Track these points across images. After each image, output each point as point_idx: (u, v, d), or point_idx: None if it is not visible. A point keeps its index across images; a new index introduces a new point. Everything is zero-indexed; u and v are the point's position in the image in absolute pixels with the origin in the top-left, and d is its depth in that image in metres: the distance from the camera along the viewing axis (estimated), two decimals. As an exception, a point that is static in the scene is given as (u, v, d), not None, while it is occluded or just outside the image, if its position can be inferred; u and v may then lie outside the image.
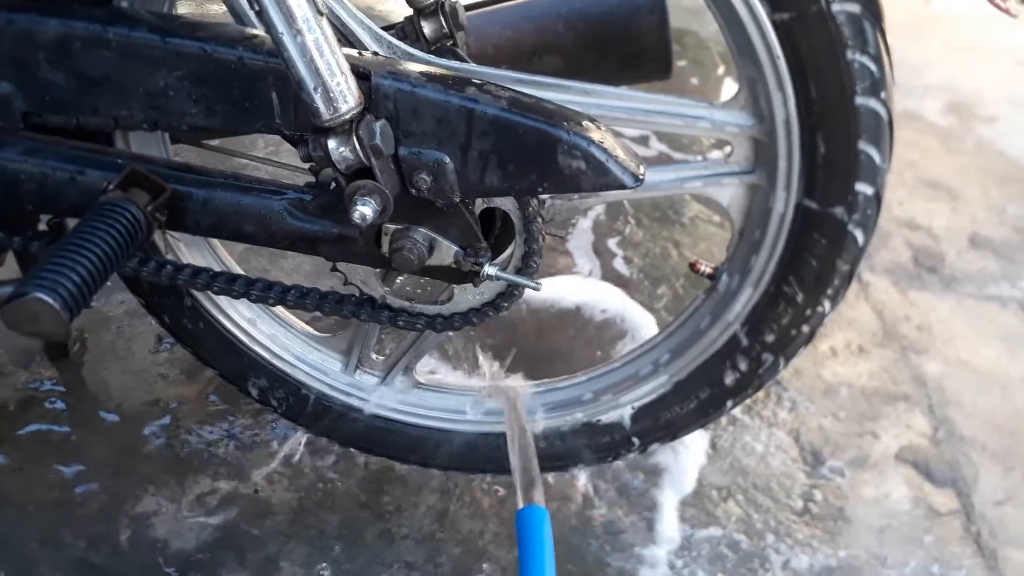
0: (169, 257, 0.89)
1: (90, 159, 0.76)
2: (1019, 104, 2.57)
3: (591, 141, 0.70)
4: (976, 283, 1.73)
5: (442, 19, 0.93)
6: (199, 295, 0.96)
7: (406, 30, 0.96)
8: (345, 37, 0.80)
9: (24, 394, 1.24)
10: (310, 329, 1.05)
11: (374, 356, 1.04)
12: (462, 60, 0.93)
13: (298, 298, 0.85)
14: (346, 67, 0.66)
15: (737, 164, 0.81)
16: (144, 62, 0.71)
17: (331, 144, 0.68)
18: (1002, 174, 2.19)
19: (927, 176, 2.13)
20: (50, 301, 0.58)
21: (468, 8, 1.06)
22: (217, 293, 0.86)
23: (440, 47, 0.94)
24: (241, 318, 1.00)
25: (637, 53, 1.02)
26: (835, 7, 0.67)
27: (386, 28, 1.03)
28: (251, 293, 0.84)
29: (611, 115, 0.80)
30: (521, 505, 0.72)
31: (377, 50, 0.80)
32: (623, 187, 0.70)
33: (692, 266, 0.90)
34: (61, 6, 0.72)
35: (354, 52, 0.74)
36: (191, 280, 0.83)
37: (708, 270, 0.90)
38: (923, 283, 1.73)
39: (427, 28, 0.93)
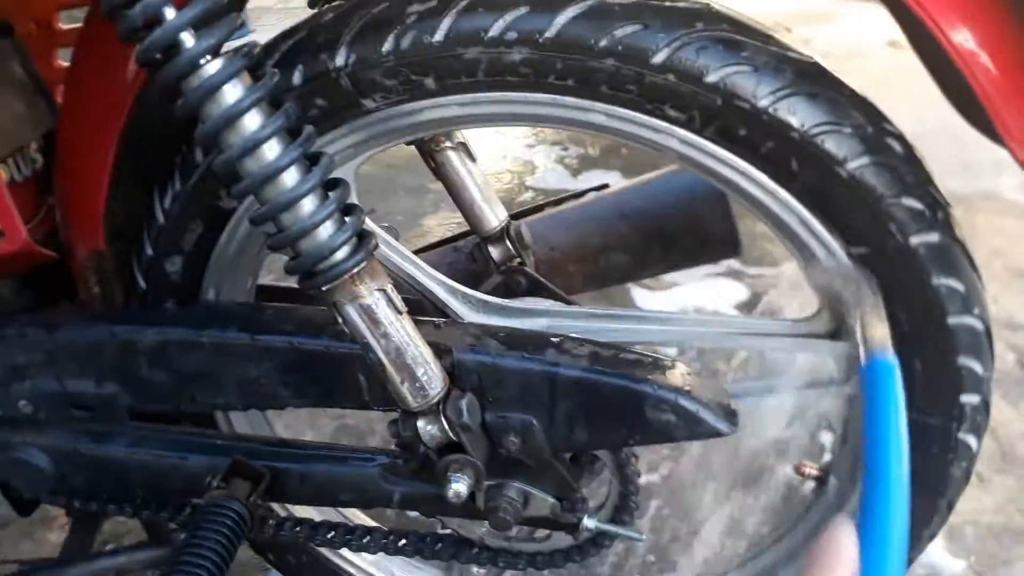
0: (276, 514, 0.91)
1: (191, 444, 0.79)
2: (1102, 168, 2.46)
3: (678, 392, 0.69)
4: (1092, 384, 1.62)
5: (508, 244, 0.96)
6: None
7: (475, 255, 0.99)
8: (420, 293, 0.82)
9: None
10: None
11: (475, 570, 1.03)
12: (532, 280, 0.94)
13: (397, 544, 0.85)
14: (430, 355, 0.68)
15: (828, 375, 0.79)
16: (235, 358, 0.74)
17: (420, 425, 0.69)
18: (1098, 251, 2.08)
19: (1017, 264, 2.04)
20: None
21: (528, 212, 1.08)
22: (318, 545, 0.86)
23: (508, 268, 0.96)
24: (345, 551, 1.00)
25: (703, 240, 1.02)
26: (914, 240, 0.65)
27: (453, 239, 1.06)
28: (351, 543, 0.85)
29: (689, 341, 0.79)
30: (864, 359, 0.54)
31: (453, 303, 0.81)
32: (718, 435, 0.69)
33: (797, 469, 0.87)
34: (156, 313, 0.76)
35: (431, 324, 0.75)
36: (291, 534, 0.84)
37: (815, 473, 0.86)
38: (1035, 391, 1.63)
39: (495, 253, 0.96)
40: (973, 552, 1.30)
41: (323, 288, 0.62)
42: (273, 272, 0.88)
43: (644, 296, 1.90)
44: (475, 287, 0.87)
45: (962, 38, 0.60)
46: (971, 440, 0.75)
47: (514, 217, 1.04)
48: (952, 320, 0.68)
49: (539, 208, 1.10)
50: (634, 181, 1.08)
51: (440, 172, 0.93)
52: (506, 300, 0.84)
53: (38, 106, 0.85)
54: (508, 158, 2.80)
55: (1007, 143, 0.63)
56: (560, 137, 2.80)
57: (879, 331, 0.60)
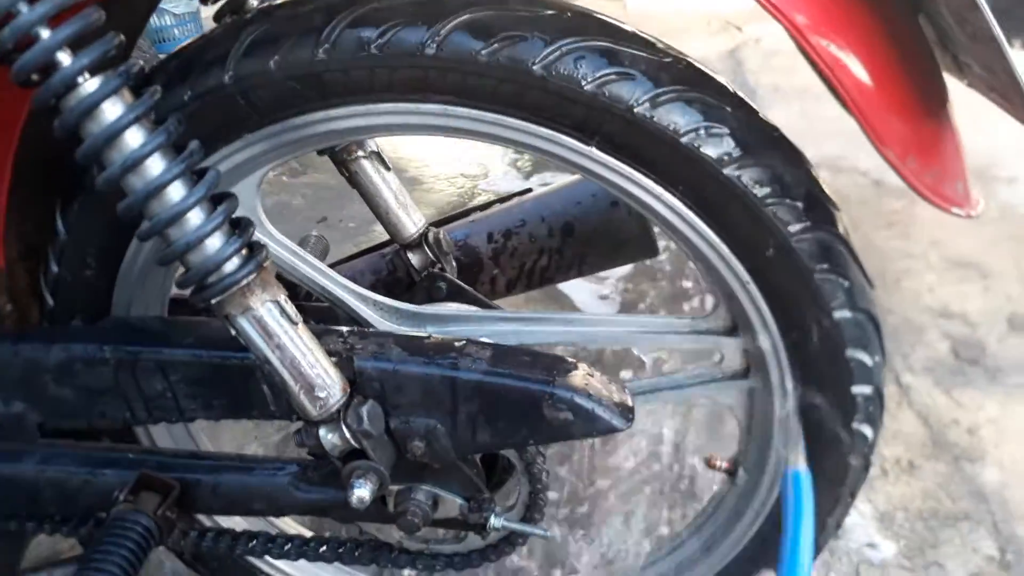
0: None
1: (102, 459, 0.79)
2: (1037, 160, 2.53)
3: (575, 391, 0.70)
4: (1022, 371, 1.67)
5: (427, 250, 0.97)
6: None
7: (395, 263, 1.00)
8: (331, 302, 0.83)
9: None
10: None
11: (407, 573, 1.04)
12: (452, 285, 0.96)
13: (317, 550, 0.86)
14: (327, 363, 0.68)
15: (730, 370, 0.81)
16: (140, 372, 0.74)
17: (322, 434, 0.70)
18: (1033, 240, 2.13)
19: (954, 254, 2.09)
20: (64, 656, 0.60)
21: (451, 219, 1.09)
22: (241, 555, 0.87)
23: (429, 275, 0.97)
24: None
25: (621, 242, 1.04)
26: (795, 239, 0.68)
27: (376, 248, 1.07)
28: (271, 551, 0.85)
29: (595, 341, 0.81)
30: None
31: (364, 311, 0.82)
32: (614, 431, 0.70)
33: (708, 461, 0.89)
34: (60, 331, 0.76)
35: (334, 334, 0.76)
36: (211, 545, 0.85)
37: (724, 465, 0.88)
38: (967, 378, 1.67)
39: (414, 260, 0.97)
40: (903, 536, 1.33)
41: (213, 301, 0.62)
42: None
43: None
44: (399, 295, 0.88)
45: (830, 48, 0.62)
46: (867, 430, 0.77)
47: (437, 224, 1.05)
48: (838, 314, 0.71)
49: (464, 214, 1.11)
50: (556, 185, 1.09)
51: (354, 181, 0.94)
52: (418, 306, 0.85)
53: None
54: (463, 161, 2.81)
55: (879, 149, 0.65)
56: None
57: (794, 447, 0.71)
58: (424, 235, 0.97)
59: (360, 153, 0.91)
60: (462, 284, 0.97)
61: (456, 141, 2.81)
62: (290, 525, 0.98)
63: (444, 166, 2.72)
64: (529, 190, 1.10)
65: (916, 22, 0.66)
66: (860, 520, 1.36)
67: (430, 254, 0.97)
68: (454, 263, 1.01)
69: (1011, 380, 1.65)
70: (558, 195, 1.06)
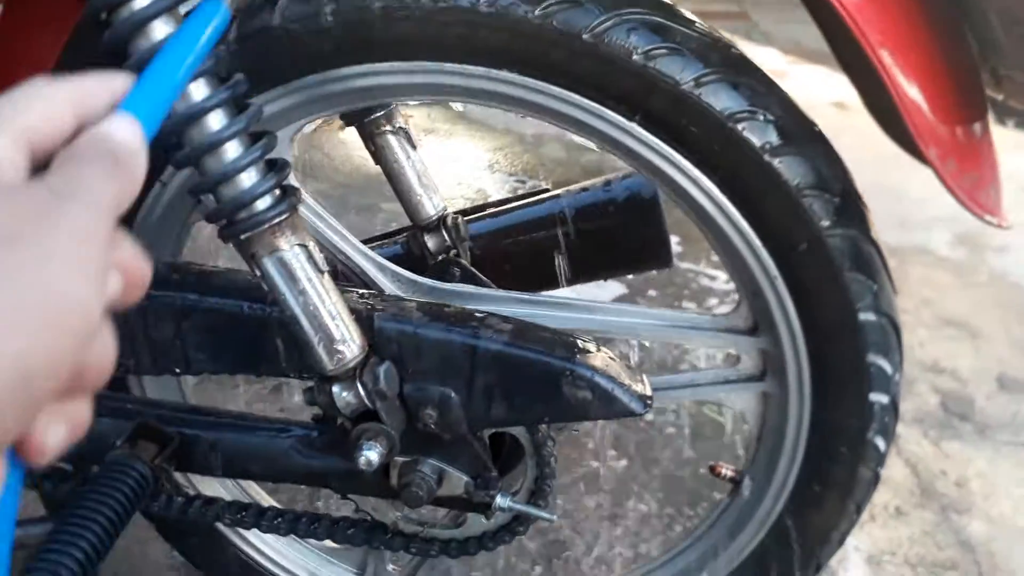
0: (185, 491, 0.88)
1: (100, 407, 0.76)
2: (1028, 232, 2.57)
3: (595, 370, 0.69)
4: (1011, 430, 1.67)
5: (444, 233, 0.96)
6: (210, 519, 0.94)
7: (411, 244, 0.99)
8: (350, 269, 0.81)
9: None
10: (327, 542, 1.01)
11: (391, 568, 1.00)
12: (466, 272, 0.94)
13: (308, 526, 0.83)
14: (348, 318, 0.67)
15: (747, 371, 0.81)
16: (153, 315, 0.72)
17: (335, 390, 0.68)
18: (1021, 307, 2.16)
19: (945, 314, 2.11)
20: (50, 589, 0.57)
21: (470, 212, 1.09)
22: (228, 525, 0.84)
23: (444, 259, 0.96)
24: (255, 538, 0.97)
25: (635, 250, 1.03)
26: (828, 233, 0.68)
27: (394, 233, 1.06)
28: (261, 524, 0.82)
29: (614, 332, 0.80)
30: None
31: (382, 281, 0.81)
32: (632, 414, 0.69)
33: (712, 469, 0.88)
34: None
35: (356, 293, 0.75)
36: (200, 513, 0.82)
37: (730, 474, 0.87)
38: (956, 432, 1.67)
39: (430, 242, 0.96)
40: (890, 581, 1.32)
41: (241, 237, 0.61)
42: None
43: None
44: (411, 275, 0.87)
45: (887, 56, 0.63)
46: (880, 442, 0.77)
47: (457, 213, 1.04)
48: (863, 316, 0.70)
49: (481, 208, 1.10)
50: (576, 186, 1.09)
51: (379, 156, 0.93)
52: (436, 282, 0.83)
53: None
54: (463, 185, 2.82)
55: (923, 148, 0.66)
56: (515, 168, 2.82)
57: None
58: (443, 219, 0.96)
59: (388, 128, 0.91)
60: (475, 271, 0.96)
61: (459, 165, 2.83)
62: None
63: (445, 190, 2.72)
64: (548, 189, 1.10)
65: (961, 33, 0.67)
66: (849, 561, 1.34)
67: (447, 238, 0.96)
68: (469, 253, 1.00)
69: (1000, 437, 1.66)
70: (576, 198, 1.06)
